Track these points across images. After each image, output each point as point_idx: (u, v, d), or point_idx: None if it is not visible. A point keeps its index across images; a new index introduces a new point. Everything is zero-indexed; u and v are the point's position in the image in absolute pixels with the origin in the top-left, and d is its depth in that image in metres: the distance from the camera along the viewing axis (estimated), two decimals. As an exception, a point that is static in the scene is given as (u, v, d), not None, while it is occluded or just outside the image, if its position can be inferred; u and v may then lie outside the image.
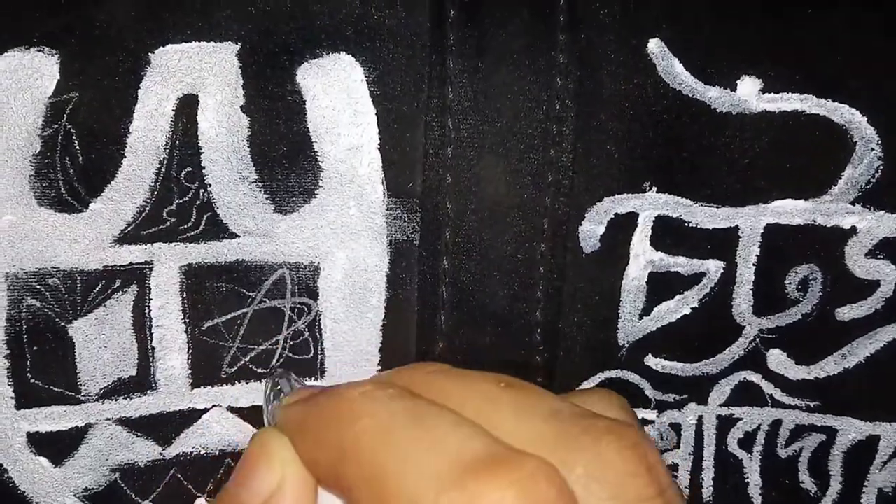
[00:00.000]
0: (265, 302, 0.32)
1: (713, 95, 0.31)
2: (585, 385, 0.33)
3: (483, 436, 0.20)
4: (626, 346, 0.33)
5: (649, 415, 0.34)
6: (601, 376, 0.33)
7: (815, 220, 0.32)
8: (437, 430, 0.20)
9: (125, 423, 0.32)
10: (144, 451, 0.32)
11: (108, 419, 0.31)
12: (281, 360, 0.32)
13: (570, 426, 0.21)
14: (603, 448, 0.20)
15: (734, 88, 0.31)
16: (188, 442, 0.32)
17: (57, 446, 0.31)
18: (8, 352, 0.30)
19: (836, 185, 0.32)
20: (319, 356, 0.32)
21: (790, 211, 0.32)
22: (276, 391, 0.27)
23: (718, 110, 0.31)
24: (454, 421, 0.20)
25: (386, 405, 0.21)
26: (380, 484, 0.20)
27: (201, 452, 0.32)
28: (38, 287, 0.30)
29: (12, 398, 0.31)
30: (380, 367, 0.32)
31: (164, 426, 0.32)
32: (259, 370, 0.32)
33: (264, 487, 0.23)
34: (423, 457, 0.19)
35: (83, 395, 0.31)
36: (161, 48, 0.29)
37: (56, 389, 0.31)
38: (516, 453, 0.19)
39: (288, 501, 0.22)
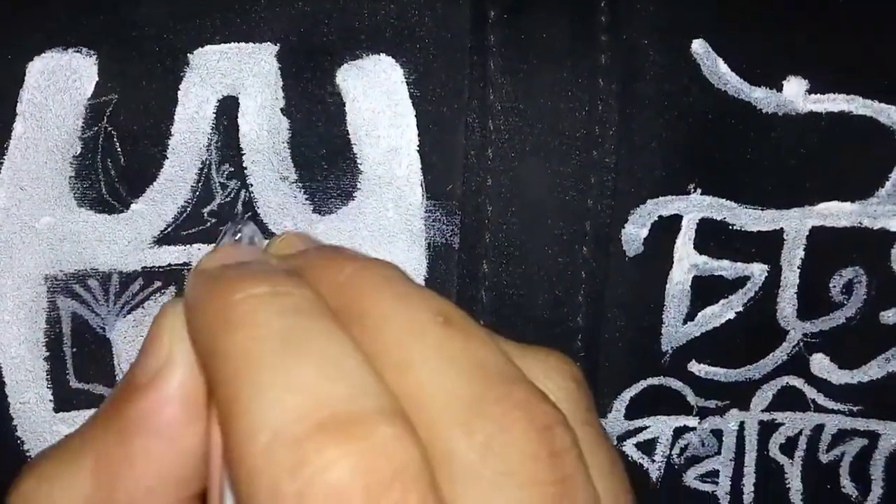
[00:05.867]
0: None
1: (759, 96, 0.30)
2: (627, 394, 0.33)
3: (354, 385, 0.18)
4: (670, 352, 0.33)
5: (691, 421, 0.34)
6: (644, 383, 0.33)
7: (861, 223, 0.32)
8: (309, 368, 0.18)
9: None
10: None
11: None
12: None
13: (487, 389, 0.19)
14: (509, 423, 0.18)
15: (780, 89, 0.31)
16: None
17: None
18: (48, 354, 0.30)
19: (882, 188, 0.31)
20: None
21: (836, 213, 0.31)
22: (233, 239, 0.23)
23: (764, 111, 0.31)
24: (334, 358, 0.18)
25: (270, 321, 0.18)
26: (227, 409, 0.18)
27: None
28: (78, 289, 0.30)
29: (51, 401, 0.30)
30: (418, 372, 0.32)
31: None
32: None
33: (151, 363, 0.20)
34: (278, 397, 0.17)
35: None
36: (199, 49, 0.29)
37: (96, 392, 0.30)
38: (374, 416, 0.17)
39: (174, 379, 0.20)
